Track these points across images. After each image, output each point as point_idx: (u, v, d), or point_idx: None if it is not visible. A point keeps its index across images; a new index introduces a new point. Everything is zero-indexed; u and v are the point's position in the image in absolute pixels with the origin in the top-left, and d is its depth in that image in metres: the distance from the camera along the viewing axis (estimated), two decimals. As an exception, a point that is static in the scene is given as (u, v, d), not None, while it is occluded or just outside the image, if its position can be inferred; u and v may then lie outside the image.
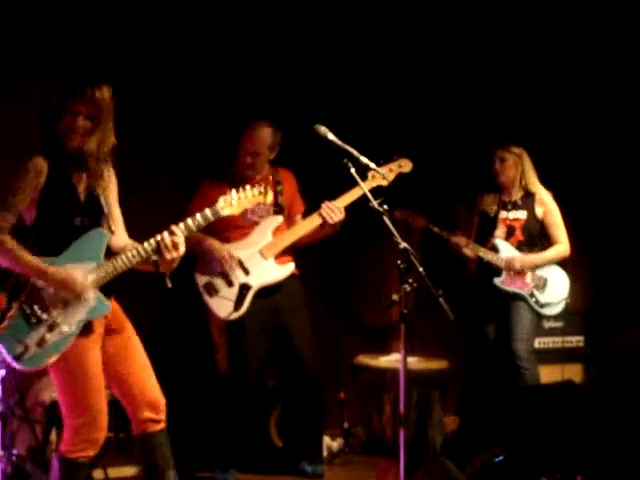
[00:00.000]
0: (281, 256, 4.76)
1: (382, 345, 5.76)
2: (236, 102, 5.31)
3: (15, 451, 4.14)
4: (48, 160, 3.32)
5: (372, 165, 3.67)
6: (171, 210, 4.87)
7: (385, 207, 3.52)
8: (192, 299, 4.72)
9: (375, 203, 3.53)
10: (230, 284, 4.64)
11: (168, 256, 3.33)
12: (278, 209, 4.81)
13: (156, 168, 5.19)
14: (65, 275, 3.26)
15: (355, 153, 3.59)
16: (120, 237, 3.50)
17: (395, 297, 3.44)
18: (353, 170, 3.61)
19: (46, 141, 3.36)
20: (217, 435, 4.86)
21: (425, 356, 5.48)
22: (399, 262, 3.42)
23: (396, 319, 3.45)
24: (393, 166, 4.69)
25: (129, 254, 3.35)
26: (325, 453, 5.23)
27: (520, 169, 5.30)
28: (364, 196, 3.64)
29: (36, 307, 3.25)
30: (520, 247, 5.31)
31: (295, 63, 5.63)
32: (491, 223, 5.37)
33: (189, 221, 3.41)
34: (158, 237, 3.34)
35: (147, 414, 3.45)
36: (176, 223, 3.41)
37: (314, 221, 4.68)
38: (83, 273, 3.30)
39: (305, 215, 4.83)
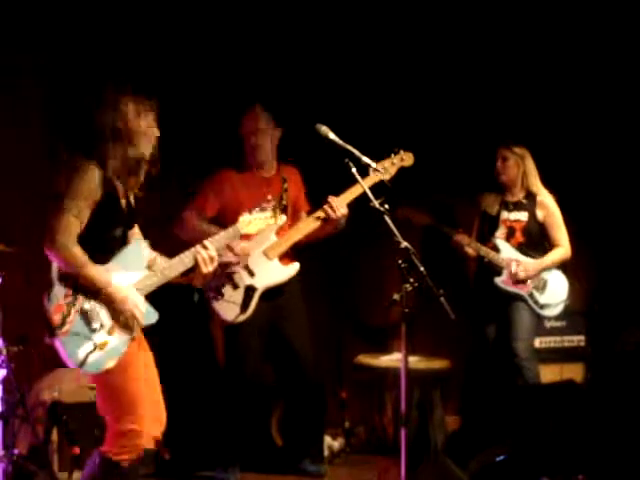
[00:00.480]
0: (283, 257, 4.76)
1: (383, 345, 5.76)
2: (238, 101, 5.30)
3: (16, 451, 4.14)
4: (102, 171, 3.30)
5: (373, 165, 3.67)
6: (172, 209, 4.89)
7: (386, 206, 3.51)
8: (192, 297, 4.72)
9: (376, 202, 3.53)
10: (235, 287, 4.63)
11: (205, 270, 3.46)
12: (283, 208, 4.81)
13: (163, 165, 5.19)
14: (123, 297, 3.28)
15: (356, 153, 3.58)
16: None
17: (396, 297, 3.44)
18: (354, 170, 3.61)
19: (107, 148, 3.31)
20: (218, 434, 4.86)
21: (426, 355, 5.48)
22: (400, 262, 3.42)
23: (397, 319, 3.45)
24: (395, 159, 4.69)
25: (173, 264, 3.43)
26: (326, 452, 5.22)
27: (522, 169, 5.30)
28: (365, 195, 3.63)
29: (95, 311, 3.26)
30: (520, 248, 5.30)
31: (297, 61, 5.63)
32: (492, 223, 5.37)
33: (217, 237, 3.59)
34: (192, 250, 3.45)
35: (154, 432, 3.45)
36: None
37: (316, 219, 4.67)
38: (129, 283, 3.34)
39: (309, 214, 4.83)
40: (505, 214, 5.35)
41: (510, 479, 4.06)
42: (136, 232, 3.52)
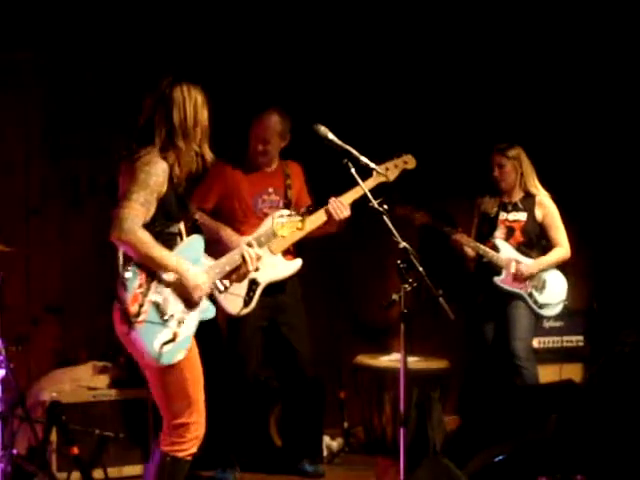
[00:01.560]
0: (286, 253, 4.76)
1: (382, 345, 5.76)
2: (240, 99, 5.31)
3: (15, 451, 4.14)
4: (169, 165, 3.30)
5: (372, 165, 3.68)
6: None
7: (385, 207, 3.52)
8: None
9: (375, 202, 3.53)
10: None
11: (251, 267, 3.58)
12: (287, 203, 4.82)
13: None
14: (195, 278, 3.31)
15: (355, 153, 3.58)
16: None
17: (395, 297, 3.44)
18: (353, 170, 3.61)
19: (175, 142, 3.29)
20: (218, 434, 4.85)
21: (425, 356, 5.48)
22: (399, 262, 3.42)
23: (396, 319, 3.45)
24: (398, 162, 4.69)
25: (223, 261, 3.50)
26: (325, 453, 5.23)
27: (519, 172, 5.29)
28: (365, 195, 3.64)
29: (166, 302, 3.27)
30: (519, 248, 5.30)
31: (299, 62, 5.63)
32: (491, 223, 5.37)
33: (255, 236, 3.95)
34: (240, 249, 3.56)
35: None
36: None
37: (321, 217, 4.66)
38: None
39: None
40: (504, 214, 5.35)
41: (509, 479, 4.06)
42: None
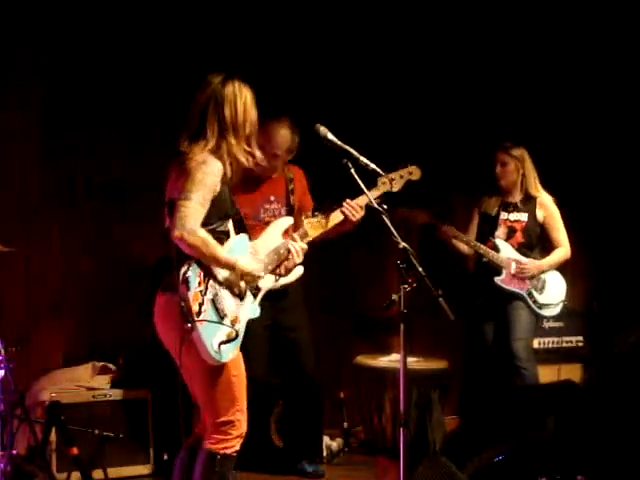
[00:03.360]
0: None
1: (382, 345, 5.76)
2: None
3: (15, 451, 4.14)
4: (223, 165, 3.32)
5: (372, 165, 3.66)
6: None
7: (384, 207, 3.51)
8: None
9: (375, 203, 3.53)
10: None
11: (297, 260, 3.74)
12: (289, 209, 4.81)
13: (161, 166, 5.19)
14: (253, 267, 3.39)
15: (355, 153, 3.58)
16: None
17: (395, 297, 3.44)
18: (353, 170, 3.61)
19: (227, 140, 3.32)
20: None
21: (425, 356, 5.48)
22: (399, 262, 3.42)
23: (396, 319, 3.45)
24: (403, 173, 4.68)
25: (271, 258, 3.69)
26: (325, 453, 5.23)
27: (521, 172, 5.29)
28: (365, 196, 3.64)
29: (221, 301, 3.31)
30: (520, 249, 5.31)
31: (299, 63, 5.64)
32: (492, 223, 5.37)
33: (300, 231, 4.06)
34: (285, 243, 3.73)
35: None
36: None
37: (337, 217, 4.62)
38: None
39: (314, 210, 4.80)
40: (505, 215, 5.35)
41: (509, 479, 4.06)
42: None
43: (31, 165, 5.15)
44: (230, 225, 3.45)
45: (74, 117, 5.18)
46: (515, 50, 6.10)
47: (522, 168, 5.29)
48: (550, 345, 5.96)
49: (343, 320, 5.92)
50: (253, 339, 4.70)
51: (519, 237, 5.33)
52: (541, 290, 5.30)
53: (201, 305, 3.22)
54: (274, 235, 4.67)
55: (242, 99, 3.36)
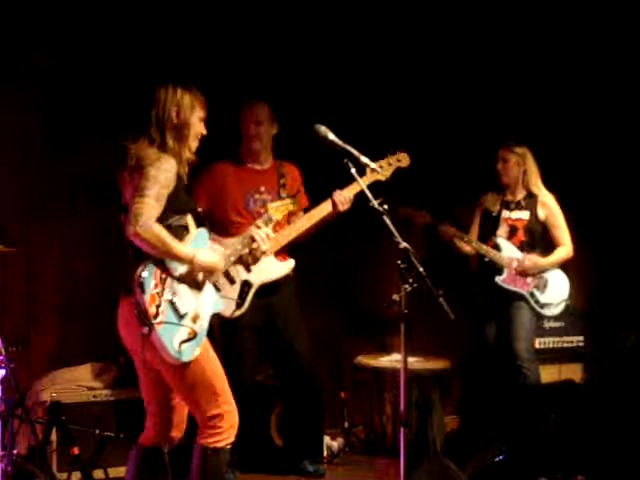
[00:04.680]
0: (278, 254, 4.76)
1: (382, 345, 5.76)
2: (237, 98, 5.31)
3: (15, 451, 4.14)
4: (176, 161, 3.37)
5: (372, 165, 3.67)
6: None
7: (385, 207, 3.51)
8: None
9: (375, 203, 3.52)
10: (232, 282, 4.63)
11: (264, 247, 3.77)
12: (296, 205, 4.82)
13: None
14: (211, 260, 3.39)
15: (355, 153, 3.58)
16: None
17: (395, 297, 3.44)
18: (353, 170, 3.61)
19: (168, 140, 3.38)
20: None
21: (425, 356, 5.48)
22: (399, 262, 3.42)
23: (396, 319, 3.45)
24: (391, 160, 4.70)
25: (234, 249, 3.70)
26: (325, 453, 5.23)
27: (522, 169, 5.29)
28: (365, 196, 3.63)
29: (179, 300, 3.31)
30: (522, 247, 5.31)
31: (298, 62, 5.64)
32: (494, 222, 5.37)
33: (264, 217, 3.88)
34: (249, 232, 3.74)
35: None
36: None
37: (326, 208, 4.66)
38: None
39: (307, 210, 4.82)
40: (506, 213, 5.35)
41: (509, 479, 4.06)
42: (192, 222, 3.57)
43: (31, 165, 5.14)
44: (189, 220, 3.45)
45: (74, 117, 5.18)
46: (516, 50, 6.10)
47: (524, 165, 5.29)
48: (551, 345, 5.96)
49: (344, 320, 5.91)
50: (243, 339, 4.74)
51: (521, 235, 5.32)
52: (543, 289, 5.30)
53: (158, 307, 3.23)
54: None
55: (174, 102, 3.41)
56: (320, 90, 5.62)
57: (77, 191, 5.25)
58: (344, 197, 4.62)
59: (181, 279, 3.33)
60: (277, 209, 3.87)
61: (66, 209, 5.22)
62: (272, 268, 4.72)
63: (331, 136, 3.60)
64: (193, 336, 3.30)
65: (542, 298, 5.29)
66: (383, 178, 4.41)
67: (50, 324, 5.14)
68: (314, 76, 5.66)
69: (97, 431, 4.41)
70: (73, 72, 5.17)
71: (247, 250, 3.75)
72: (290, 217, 4.76)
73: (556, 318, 5.65)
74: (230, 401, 3.45)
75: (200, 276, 3.39)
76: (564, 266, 5.40)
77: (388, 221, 3.47)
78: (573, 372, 5.88)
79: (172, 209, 3.34)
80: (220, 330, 4.78)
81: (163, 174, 3.28)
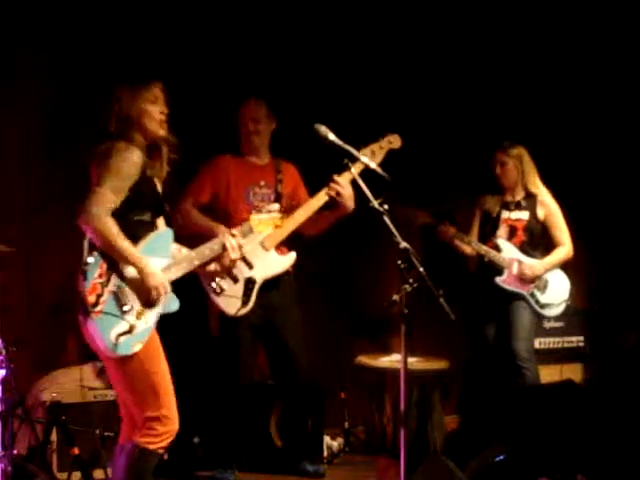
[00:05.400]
0: (279, 247, 4.76)
1: (382, 345, 5.76)
2: (236, 94, 5.31)
3: (15, 451, 4.14)
4: (142, 153, 3.35)
5: (372, 165, 3.67)
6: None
7: (385, 207, 3.51)
8: (192, 297, 4.71)
9: (375, 203, 3.52)
10: (235, 280, 4.62)
11: (233, 256, 3.57)
12: (277, 196, 4.82)
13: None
14: (155, 271, 3.32)
15: (355, 153, 3.58)
16: None
17: (395, 297, 3.44)
18: (354, 170, 3.61)
19: (130, 133, 3.36)
20: (218, 434, 4.86)
21: (425, 356, 5.48)
22: (399, 262, 3.42)
23: (397, 319, 3.45)
24: (382, 143, 4.69)
25: (203, 251, 3.52)
26: (325, 453, 5.23)
27: (521, 170, 5.29)
28: (365, 196, 3.62)
29: (125, 294, 3.28)
30: (522, 247, 5.30)
31: (296, 58, 5.64)
32: (493, 223, 5.37)
33: (244, 226, 3.71)
34: (220, 238, 3.56)
35: None
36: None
37: (321, 199, 4.63)
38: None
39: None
40: (506, 214, 5.35)
41: (509, 479, 4.06)
42: (162, 221, 3.54)
43: (31, 165, 5.14)
44: (152, 216, 3.42)
45: (75, 117, 5.17)
46: (515, 50, 6.09)
47: (522, 166, 5.28)
48: (551, 345, 5.95)
49: (344, 320, 5.91)
50: (242, 338, 4.74)
51: (521, 236, 5.32)
52: (543, 290, 5.29)
53: (99, 296, 3.22)
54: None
55: (122, 94, 3.40)
56: (318, 89, 5.62)
57: (77, 191, 5.24)
58: (340, 182, 4.56)
59: (127, 279, 3.29)
60: (261, 221, 3.78)
61: (66, 209, 5.21)
62: (274, 263, 4.72)
63: (331, 136, 3.60)
64: (132, 331, 3.26)
65: (543, 298, 5.29)
66: (376, 163, 4.38)
67: (50, 324, 5.14)
68: (313, 74, 5.66)
69: (97, 431, 4.41)
70: (74, 72, 5.17)
71: (214, 255, 3.60)
72: (290, 210, 4.76)
73: (556, 318, 5.65)
74: (171, 406, 3.37)
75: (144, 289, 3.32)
76: (564, 266, 5.39)
77: (388, 221, 3.47)
78: (573, 372, 5.87)
79: (134, 203, 3.32)
80: (219, 329, 4.79)
81: (125, 165, 3.27)
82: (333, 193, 4.58)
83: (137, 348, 3.29)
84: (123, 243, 3.25)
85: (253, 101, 4.88)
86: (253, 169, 4.85)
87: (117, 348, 3.25)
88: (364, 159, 3.62)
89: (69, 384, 4.71)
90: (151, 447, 3.36)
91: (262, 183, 4.84)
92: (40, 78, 5.13)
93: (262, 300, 4.70)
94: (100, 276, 3.24)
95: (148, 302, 3.33)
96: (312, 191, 4.87)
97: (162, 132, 3.42)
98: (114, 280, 3.27)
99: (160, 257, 3.41)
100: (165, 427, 3.36)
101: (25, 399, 4.39)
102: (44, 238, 5.14)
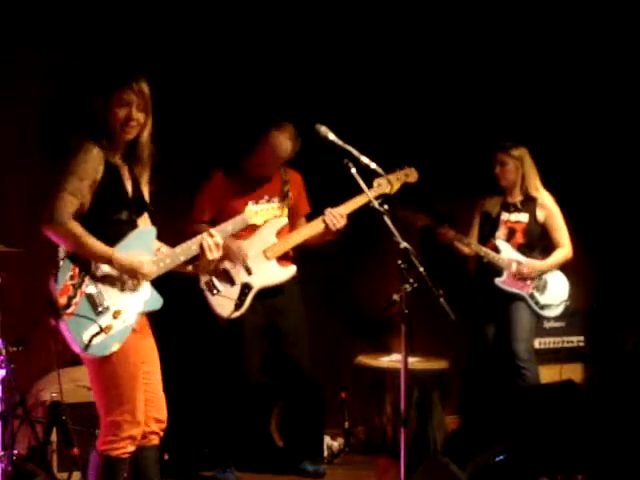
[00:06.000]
0: (281, 259, 4.77)
1: (382, 345, 5.76)
2: (244, 101, 5.32)
3: (16, 451, 4.14)
4: (103, 151, 3.31)
5: (373, 165, 3.67)
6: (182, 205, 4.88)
7: (385, 207, 3.51)
8: (194, 298, 4.72)
9: (375, 203, 3.53)
10: (232, 283, 4.64)
11: (210, 256, 3.43)
12: (288, 204, 4.82)
13: (164, 167, 5.19)
14: (131, 260, 3.28)
15: (356, 153, 3.58)
16: None
17: (396, 297, 3.44)
18: (354, 170, 3.61)
19: (95, 133, 3.32)
20: (218, 434, 4.86)
21: (425, 356, 5.48)
22: (399, 262, 3.42)
23: (397, 319, 3.45)
24: (400, 175, 4.72)
25: (177, 251, 3.42)
26: (326, 453, 5.24)
27: (521, 172, 5.28)
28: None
29: (100, 294, 3.26)
30: (521, 249, 5.31)
31: (299, 64, 5.64)
32: (493, 224, 5.37)
33: (223, 225, 3.56)
34: (198, 237, 3.44)
35: (153, 426, 3.45)
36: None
37: (317, 227, 4.68)
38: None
39: (310, 218, 4.83)
40: (505, 215, 5.35)
41: (509, 479, 4.06)
42: (146, 221, 3.50)
43: (32, 165, 5.14)
44: (126, 216, 3.37)
45: (74, 117, 5.17)
46: (516, 50, 6.09)
47: (522, 168, 5.28)
48: (551, 345, 5.96)
49: (344, 320, 5.91)
50: (247, 339, 4.75)
51: (519, 238, 5.32)
52: (543, 291, 5.30)
53: (72, 298, 3.20)
54: (267, 235, 4.70)
55: (94, 98, 3.36)
56: (322, 95, 5.61)
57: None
58: (335, 215, 4.60)
59: (102, 277, 3.26)
60: (256, 213, 3.64)
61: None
62: (273, 273, 4.73)
63: (331, 136, 3.60)
64: (107, 331, 3.23)
65: (542, 299, 5.29)
66: (390, 192, 4.43)
67: (50, 324, 5.13)
68: (315, 79, 5.66)
69: (97, 431, 4.40)
70: (73, 72, 5.17)
71: (196, 253, 3.48)
72: (294, 226, 4.77)
73: (556, 318, 5.64)
74: (135, 414, 3.32)
75: (124, 276, 3.30)
76: (564, 266, 5.39)
77: (388, 221, 3.47)
78: (573, 372, 5.87)
79: (103, 202, 3.29)
80: (224, 331, 4.78)
81: (82, 166, 3.24)
82: (328, 222, 4.60)
83: (115, 348, 3.25)
84: (88, 240, 3.22)
85: (281, 143, 4.68)
86: (255, 183, 4.79)
87: (90, 349, 3.22)
88: (364, 160, 3.61)
89: (69, 384, 4.70)
90: (113, 453, 3.31)
91: (266, 197, 4.79)
92: (40, 78, 5.13)
93: (266, 302, 4.70)
94: (72, 277, 3.23)
95: (127, 288, 3.30)
96: (315, 196, 4.87)
97: (128, 136, 3.35)
98: (87, 281, 3.25)
99: (139, 255, 3.36)
100: (126, 432, 3.31)
101: (25, 399, 4.39)
102: (44, 238, 5.14)
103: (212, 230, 3.49)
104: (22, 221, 5.06)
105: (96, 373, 3.34)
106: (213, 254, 3.44)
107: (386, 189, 4.46)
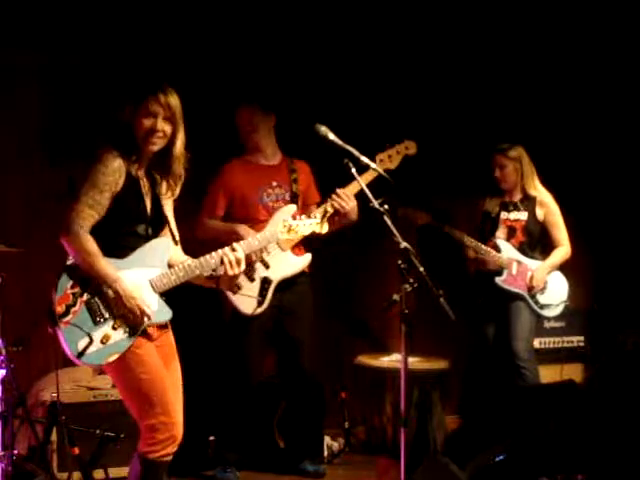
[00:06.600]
0: (295, 247, 4.76)
1: (382, 345, 5.76)
2: (237, 98, 5.30)
3: (16, 451, 4.14)
4: (125, 163, 3.29)
5: (373, 165, 3.67)
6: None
7: (386, 207, 3.51)
8: (200, 298, 4.71)
9: (376, 203, 3.52)
10: (252, 280, 4.63)
11: (231, 272, 3.36)
12: (293, 195, 4.82)
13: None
14: (129, 293, 3.24)
15: (355, 153, 3.58)
16: (178, 251, 3.48)
17: (396, 297, 3.44)
18: (354, 170, 3.61)
19: (120, 142, 3.30)
20: (219, 434, 4.86)
21: (426, 356, 5.48)
22: (400, 262, 3.42)
23: (397, 319, 3.45)
24: (399, 148, 4.70)
25: (192, 264, 3.36)
26: (326, 453, 5.23)
27: (520, 172, 5.29)
28: (365, 196, 3.63)
29: (101, 305, 3.25)
30: (521, 248, 5.31)
31: (298, 61, 5.65)
32: (492, 223, 5.37)
33: (250, 240, 3.56)
34: (220, 252, 3.38)
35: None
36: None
37: (327, 213, 4.65)
38: (146, 279, 3.32)
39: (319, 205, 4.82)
40: (505, 214, 5.36)
41: (509, 479, 4.06)
42: (167, 236, 3.46)
43: (32, 165, 5.14)
44: (143, 229, 3.35)
45: (75, 117, 5.18)
46: (516, 50, 6.09)
47: (521, 168, 5.28)
48: (551, 345, 5.96)
49: (344, 320, 5.91)
50: (253, 340, 4.74)
51: (519, 236, 5.33)
52: (542, 291, 5.30)
53: (70, 307, 3.20)
54: (280, 224, 4.67)
55: (126, 107, 3.33)
56: (321, 90, 5.62)
57: (76, 191, 5.23)
58: (342, 196, 4.57)
59: (103, 291, 3.25)
60: (291, 229, 3.55)
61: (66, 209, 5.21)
62: (290, 263, 4.72)
63: (331, 136, 3.60)
64: (105, 342, 3.22)
65: (542, 299, 5.30)
66: (392, 167, 4.43)
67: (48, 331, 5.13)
68: (315, 76, 5.66)
69: (97, 431, 4.40)
70: (73, 72, 5.17)
71: (213, 266, 3.40)
72: (305, 209, 4.76)
73: (556, 318, 5.65)
74: (170, 413, 3.30)
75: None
76: (564, 266, 5.40)
77: (389, 221, 3.47)
78: (573, 372, 5.88)
79: (122, 214, 3.29)
80: (230, 329, 4.77)
81: (102, 177, 3.23)
82: (337, 205, 4.56)
83: (112, 359, 3.24)
84: (100, 262, 3.22)
85: (244, 105, 4.86)
86: (262, 170, 4.83)
87: (84, 358, 3.22)
88: (364, 159, 3.61)
89: (69, 384, 4.71)
90: (151, 456, 3.31)
91: (274, 183, 4.81)
92: (40, 79, 5.13)
93: (275, 300, 4.70)
94: (73, 287, 3.23)
95: (130, 321, 3.27)
96: (324, 190, 4.87)
97: (153, 147, 3.32)
98: (90, 290, 3.25)
99: (152, 267, 3.36)
100: (163, 434, 3.29)
101: (25, 399, 4.39)
102: (44, 238, 5.14)
103: (236, 244, 3.42)
104: (22, 221, 5.07)
105: (118, 380, 3.36)
106: (234, 270, 3.37)
107: (388, 164, 4.46)
